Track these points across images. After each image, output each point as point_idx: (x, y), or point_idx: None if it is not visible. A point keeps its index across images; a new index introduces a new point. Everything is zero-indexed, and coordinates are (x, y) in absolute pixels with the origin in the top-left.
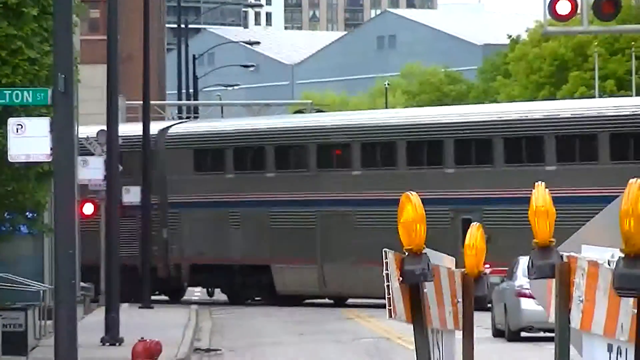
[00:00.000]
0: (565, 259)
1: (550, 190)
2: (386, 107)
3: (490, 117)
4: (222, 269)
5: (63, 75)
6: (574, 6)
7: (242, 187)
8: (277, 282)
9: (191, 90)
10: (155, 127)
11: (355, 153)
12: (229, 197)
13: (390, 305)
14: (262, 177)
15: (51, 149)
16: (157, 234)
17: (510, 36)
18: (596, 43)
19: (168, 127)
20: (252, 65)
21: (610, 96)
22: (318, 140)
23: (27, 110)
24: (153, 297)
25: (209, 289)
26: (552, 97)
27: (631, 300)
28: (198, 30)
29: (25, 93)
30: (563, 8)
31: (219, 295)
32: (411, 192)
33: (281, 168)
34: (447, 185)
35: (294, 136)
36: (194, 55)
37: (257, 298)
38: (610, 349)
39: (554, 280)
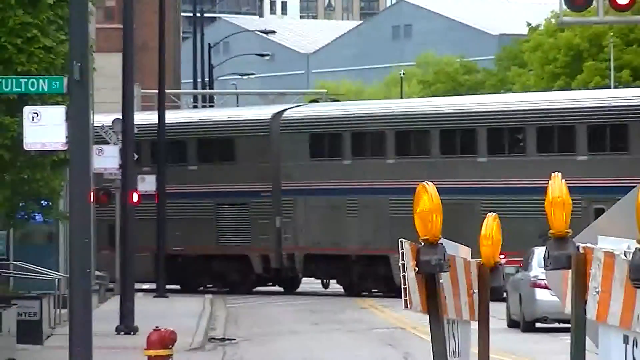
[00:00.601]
0: (581, 250)
1: None
2: (401, 97)
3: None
4: (338, 259)
5: (79, 64)
6: None
7: (360, 173)
8: (396, 274)
9: (206, 79)
10: (268, 112)
11: (481, 139)
12: (345, 184)
13: (406, 296)
14: (382, 163)
15: (67, 137)
16: (269, 222)
17: (530, 24)
18: (612, 33)
19: (282, 111)
20: (268, 54)
21: (625, 86)
22: (441, 125)
23: (43, 99)
24: (266, 289)
25: (324, 280)
26: (567, 87)
27: None
28: (213, 19)
29: (41, 81)
30: None
31: (334, 286)
32: (428, 182)
33: (402, 154)
34: (580, 173)
35: (415, 121)
36: (209, 44)
37: (374, 290)
38: (626, 340)
39: (570, 271)
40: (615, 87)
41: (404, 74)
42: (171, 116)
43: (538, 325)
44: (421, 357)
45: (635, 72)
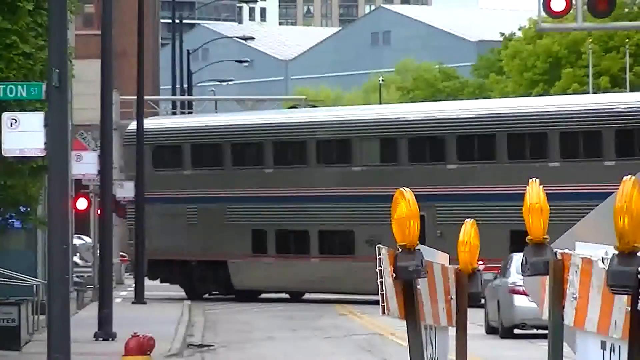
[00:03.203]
0: (559, 256)
1: None
2: (380, 103)
3: None
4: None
5: (57, 70)
6: (569, 3)
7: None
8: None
9: (185, 86)
10: None
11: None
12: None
13: (383, 302)
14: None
15: (45, 143)
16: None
17: (503, 34)
18: (590, 40)
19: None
20: (247, 61)
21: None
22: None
23: (21, 105)
24: None
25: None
26: (546, 94)
27: (625, 297)
28: (192, 25)
29: (20, 87)
30: (558, 4)
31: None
32: (405, 188)
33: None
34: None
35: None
36: (188, 51)
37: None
38: (603, 346)
39: (547, 277)
40: (594, 93)
41: (382, 80)
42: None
43: (516, 331)
44: None
45: (614, 79)
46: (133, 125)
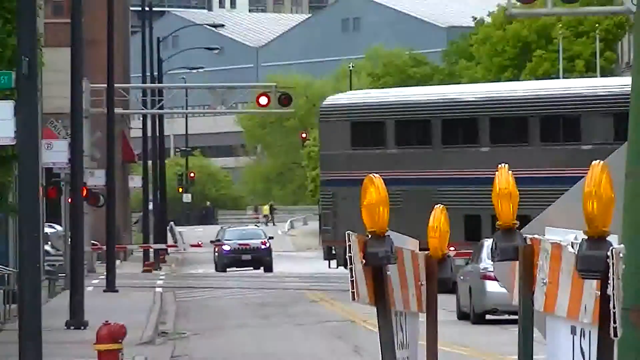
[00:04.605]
0: (528, 241)
1: None
2: (350, 90)
3: None
4: None
5: (27, 58)
6: None
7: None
8: None
9: (155, 74)
10: None
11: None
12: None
13: (353, 288)
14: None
15: (15, 132)
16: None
17: (476, 18)
18: (560, 25)
19: None
20: (217, 48)
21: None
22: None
23: None
24: None
25: None
26: (515, 78)
27: (594, 282)
28: (162, 13)
29: None
30: None
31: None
32: (374, 174)
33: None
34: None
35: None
36: (158, 38)
37: None
38: (573, 331)
39: (517, 262)
40: (565, 77)
41: (353, 67)
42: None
43: (488, 317)
44: (371, 349)
45: (586, 63)
46: (331, 100)
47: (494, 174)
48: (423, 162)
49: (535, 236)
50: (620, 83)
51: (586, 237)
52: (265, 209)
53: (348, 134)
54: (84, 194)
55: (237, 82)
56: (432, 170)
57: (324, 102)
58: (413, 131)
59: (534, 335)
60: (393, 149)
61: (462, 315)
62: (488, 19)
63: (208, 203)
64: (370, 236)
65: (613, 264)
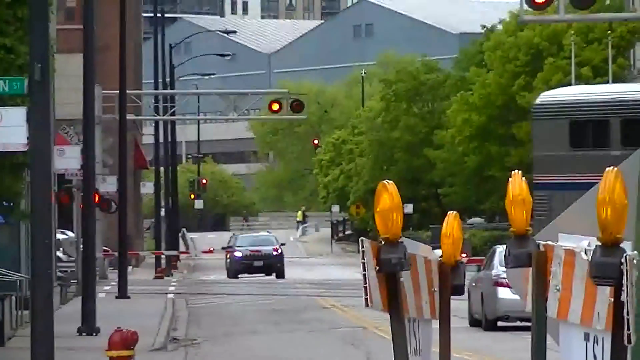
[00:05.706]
0: (542, 248)
1: None
2: (362, 97)
3: None
4: None
5: (39, 65)
6: None
7: None
8: None
9: (168, 80)
10: None
11: None
12: None
13: (366, 294)
14: None
15: (27, 138)
16: None
17: (485, 26)
18: (572, 32)
19: None
20: (229, 54)
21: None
22: None
23: (3, 100)
24: None
25: None
26: (528, 85)
27: (608, 288)
28: (174, 19)
29: (1, 82)
30: None
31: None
32: (387, 180)
33: None
34: None
35: None
36: (170, 45)
37: None
38: (587, 337)
39: (530, 269)
40: (577, 84)
41: (365, 73)
42: None
43: (500, 323)
44: (383, 356)
45: (596, 69)
46: (545, 97)
47: None
48: None
49: (549, 243)
50: None
51: (600, 244)
52: (299, 214)
53: (565, 133)
54: (95, 200)
55: (249, 89)
56: None
57: (538, 100)
58: None
59: (547, 342)
60: (617, 150)
61: (474, 322)
62: (499, 27)
63: (245, 211)
64: (383, 242)
65: (627, 270)
